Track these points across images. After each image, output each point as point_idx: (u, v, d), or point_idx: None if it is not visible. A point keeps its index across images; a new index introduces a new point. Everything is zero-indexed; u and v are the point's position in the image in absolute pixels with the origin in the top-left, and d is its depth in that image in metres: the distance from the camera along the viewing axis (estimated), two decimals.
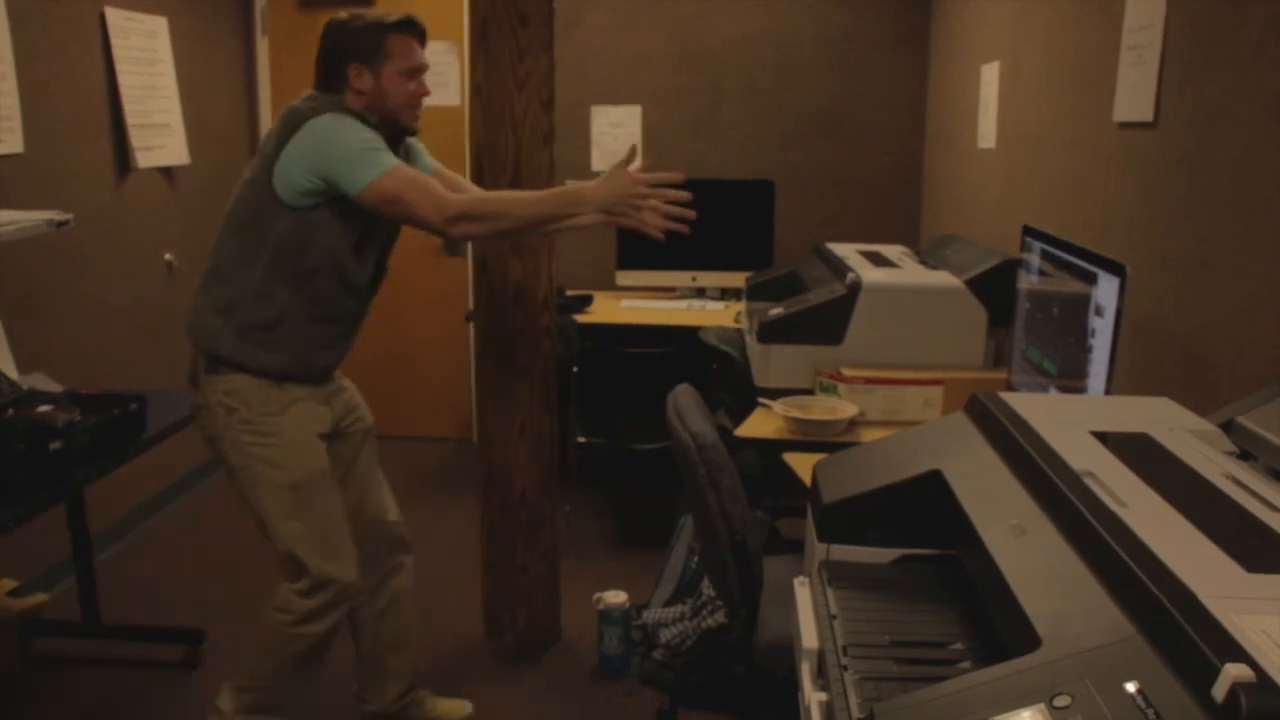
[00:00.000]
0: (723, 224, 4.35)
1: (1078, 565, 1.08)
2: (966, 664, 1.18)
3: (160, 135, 3.88)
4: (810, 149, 4.55)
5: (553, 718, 2.71)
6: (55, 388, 2.70)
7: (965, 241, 3.30)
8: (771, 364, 2.85)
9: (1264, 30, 1.77)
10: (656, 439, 3.48)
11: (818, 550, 1.51)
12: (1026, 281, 2.47)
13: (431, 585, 3.32)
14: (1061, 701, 0.86)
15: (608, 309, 4.15)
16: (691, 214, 2.17)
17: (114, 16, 3.58)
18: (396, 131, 2.22)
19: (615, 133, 4.60)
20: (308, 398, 2.22)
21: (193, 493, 4.15)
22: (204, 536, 3.79)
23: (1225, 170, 1.90)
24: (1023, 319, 2.50)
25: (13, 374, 2.65)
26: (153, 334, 3.84)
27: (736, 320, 3.84)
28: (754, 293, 3.47)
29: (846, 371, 2.75)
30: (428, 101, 2.27)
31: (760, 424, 2.67)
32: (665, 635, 2.90)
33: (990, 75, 3.48)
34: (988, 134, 3.50)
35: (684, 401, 2.14)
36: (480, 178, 2.76)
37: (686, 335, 3.61)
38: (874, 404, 2.70)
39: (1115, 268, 1.88)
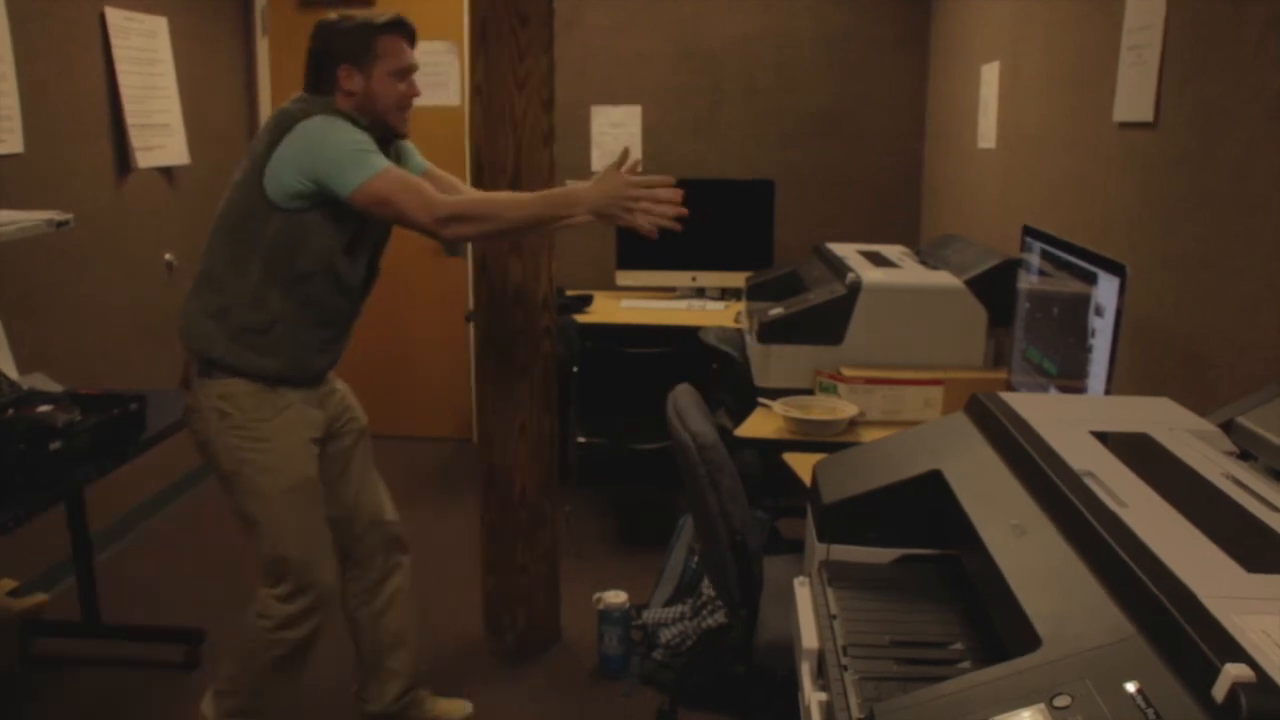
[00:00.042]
0: (723, 224, 4.36)
1: (1078, 565, 1.08)
2: (966, 664, 1.18)
3: (160, 135, 3.88)
4: (810, 149, 4.55)
5: (553, 718, 2.71)
6: (55, 388, 2.70)
7: (965, 241, 3.30)
8: (771, 364, 2.85)
9: (1264, 30, 1.77)
10: (656, 439, 3.48)
11: (818, 550, 1.51)
12: (1026, 281, 2.47)
13: (431, 585, 3.33)
14: (1061, 701, 0.86)
15: (608, 309, 4.15)
16: (684, 211, 2.17)
17: (114, 16, 3.58)
18: (387, 134, 2.21)
19: (615, 133, 4.60)
20: (301, 402, 2.22)
21: (193, 493, 4.15)
22: (204, 536, 3.79)
23: (1225, 170, 1.90)
24: (1023, 319, 2.50)
25: (13, 374, 2.65)
26: (153, 334, 3.84)
27: (736, 320, 3.84)
28: (754, 293, 3.47)
29: (846, 371, 2.75)
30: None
31: (760, 424, 2.67)
32: (665, 635, 2.90)
33: (990, 75, 3.48)
34: (988, 134, 3.50)
35: (684, 401, 2.14)
36: (480, 178, 2.76)
37: (686, 335, 3.61)
38: (874, 404, 2.70)
39: (1115, 268, 1.88)
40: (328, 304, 2.19)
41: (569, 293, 4.20)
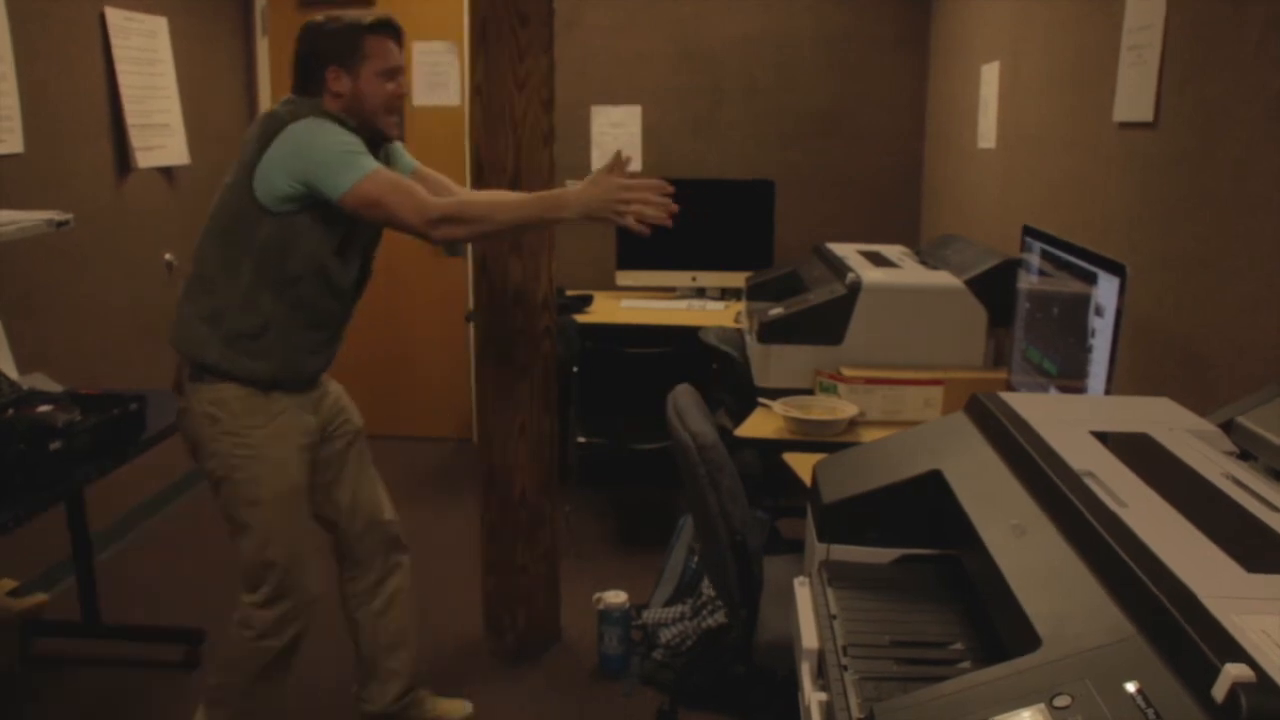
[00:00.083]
0: (723, 224, 4.36)
1: (1078, 565, 1.08)
2: (966, 664, 1.18)
3: (160, 135, 3.88)
4: (810, 149, 4.55)
5: (553, 718, 2.71)
6: (55, 388, 2.70)
7: (965, 241, 3.30)
8: (771, 364, 2.85)
9: (1264, 30, 1.77)
10: (656, 439, 3.48)
11: (818, 550, 1.51)
12: (1026, 281, 2.47)
13: (431, 585, 3.32)
14: (1061, 701, 0.86)
15: (608, 309, 4.15)
16: (675, 207, 2.16)
17: (114, 16, 3.58)
18: (376, 136, 2.21)
19: (615, 133, 4.60)
20: (294, 407, 2.21)
21: (193, 493, 4.15)
22: (204, 536, 3.78)
23: (1225, 170, 1.90)
24: (1023, 319, 2.50)
25: (13, 374, 2.65)
26: (153, 334, 3.83)
27: (736, 320, 3.84)
28: (754, 293, 3.47)
29: (846, 371, 2.75)
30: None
31: (760, 424, 2.67)
32: (665, 635, 2.90)
33: (990, 75, 3.48)
34: (988, 134, 3.50)
35: (684, 401, 2.14)
36: (480, 178, 2.76)
37: (686, 335, 3.61)
38: (874, 404, 2.70)
39: (1115, 268, 1.88)
40: (319, 306, 2.18)
41: (569, 293, 4.20)
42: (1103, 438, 1.40)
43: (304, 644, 2.31)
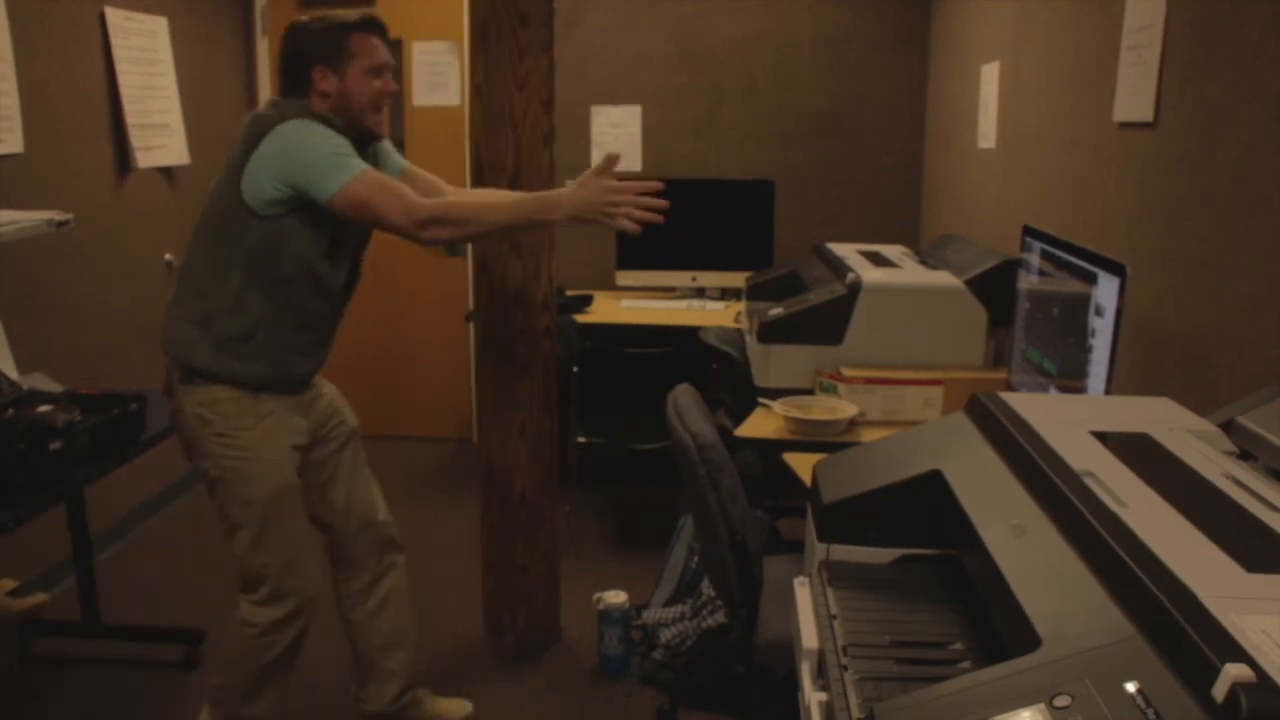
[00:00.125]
0: (723, 224, 4.36)
1: (1078, 565, 1.08)
2: (966, 664, 1.18)
3: (160, 135, 3.88)
4: (810, 149, 4.55)
5: (553, 718, 2.71)
6: (55, 388, 2.70)
7: (965, 241, 3.30)
8: (771, 364, 2.85)
9: (1264, 30, 1.77)
10: (656, 439, 3.48)
11: (818, 550, 1.51)
12: (1026, 281, 2.47)
13: (431, 585, 3.32)
14: (1061, 701, 0.86)
15: (608, 309, 4.15)
16: (665, 204, 2.16)
17: (114, 16, 3.58)
18: (363, 135, 2.20)
19: (615, 133, 4.60)
20: (284, 409, 2.21)
21: (193, 493, 4.14)
22: (204, 536, 3.78)
23: (1225, 170, 1.90)
24: (1023, 319, 2.50)
25: (13, 374, 2.65)
26: (153, 334, 3.80)
27: (736, 320, 3.84)
28: (754, 293, 3.47)
29: (846, 371, 2.75)
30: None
31: (760, 424, 2.67)
32: (665, 635, 2.90)
33: (990, 75, 3.48)
34: (988, 134, 3.50)
35: (684, 401, 2.14)
36: (480, 178, 2.76)
37: (686, 335, 3.61)
38: (874, 404, 2.70)
39: (1115, 268, 1.88)
40: (309, 308, 2.18)
41: (569, 293, 4.20)
42: (1103, 438, 1.40)
43: (305, 644, 2.31)
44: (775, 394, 2.71)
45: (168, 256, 3.97)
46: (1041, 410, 1.50)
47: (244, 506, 2.17)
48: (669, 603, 3.01)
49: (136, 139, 3.70)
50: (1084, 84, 2.60)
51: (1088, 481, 1.21)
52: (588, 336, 3.82)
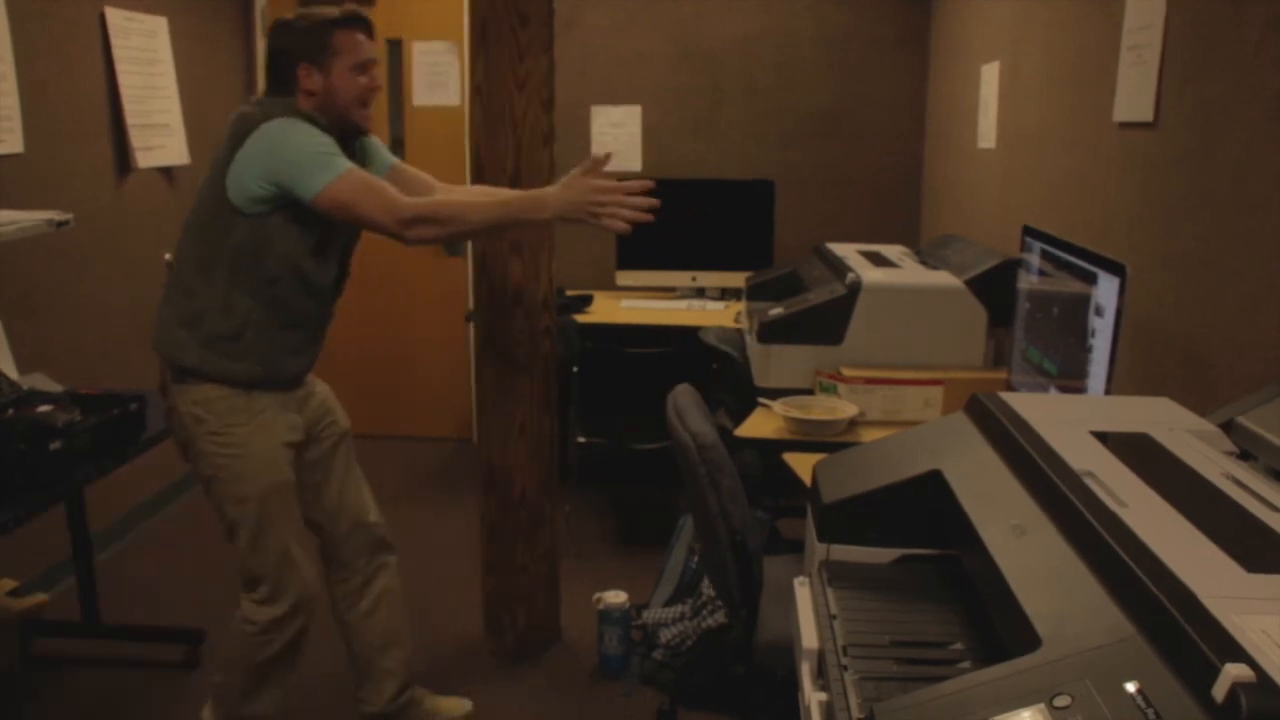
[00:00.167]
0: (723, 224, 4.36)
1: (1078, 565, 1.08)
2: (966, 664, 1.18)
3: (160, 135, 3.88)
4: (810, 149, 4.55)
5: (553, 718, 2.71)
6: (55, 388, 2.70)
7: (965, 241, 3.30)
8: (771, 364, 2.85)
9: (1264, 30, 1.77)
10: (656, 439, 3.48)
11: (818, 550, 1.51)
12: (1026, 281, 2.47)
13: (431, 585, 3.33)
14: (1061, 701, 0.86)
15: (608, 309, 4.15)
16: (655, 202, 2.16)
17: (114, 16, 3.58)
18: (349, 131, 2.19)
19: (615, 133, 4.60)
20: (276, 406, 2.20)
21: (193, 493, 4.14)
22: (204, 536, 3.77)
23: (1225, 170, 1.90)
24: (1023, 319, 2.50)
25: (13, 374, 2.65)
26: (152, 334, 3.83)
27: (736, 320, 3.84)
28: (754, 293, 3.47)
29: (846, 371, 2.75)
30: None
31: (760, 424, 2.67)
32: (665, 635, 2.90)
33: (990, 75, 3.48)
34: (988, 134, 3.50)
35: (684, 401, 2.14)
36: (480, 178, 2.76)
37: (686, 335, 3.61)
38: (874, 404, 2.70)
39: (1115, 268, 1.88)
40: (298, 307, 2.18)
41: (569, 293, 4.20)
42: (1103, 438, 1.40)
43: (307, 643, 2.31)
44: (775, 394, 2.71)
45: (168, 256, 3.94)
46: (1041, 410, 1.50)
47: (239, 505, 2.17)
48: (669, 603, 3.01)
49: (136, 139, 3.70)
50: (1084, 84, 2.60)
51: (1088, 481, 1.21)
52: (588, 336, 3.82)
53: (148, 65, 3.81)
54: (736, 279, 4.05)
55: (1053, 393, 2.20)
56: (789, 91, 4.52)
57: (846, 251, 3.29)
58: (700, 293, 4.38)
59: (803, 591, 1.44)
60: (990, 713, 0.87)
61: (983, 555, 1.18)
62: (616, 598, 2.88)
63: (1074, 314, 2.09)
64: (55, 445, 2.27)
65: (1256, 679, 0.78)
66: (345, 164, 2.06)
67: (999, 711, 0.87)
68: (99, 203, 3.55)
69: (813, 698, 1.20)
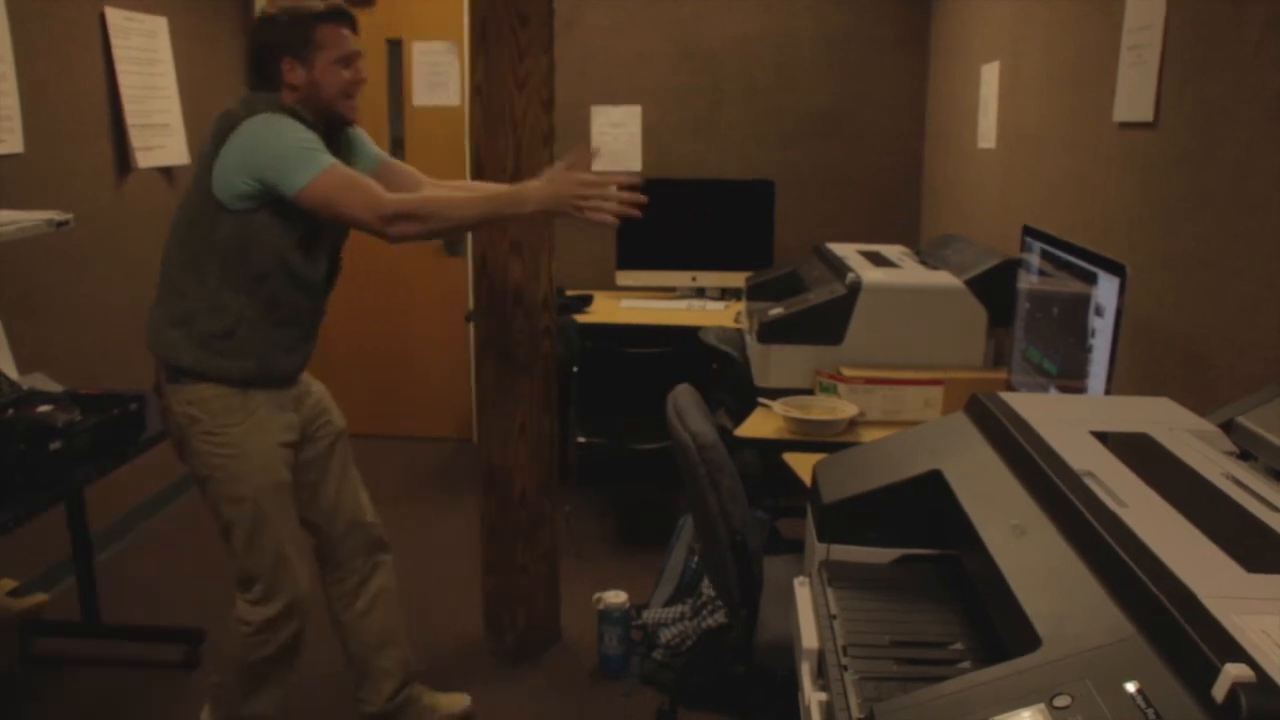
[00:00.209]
0: (723, 224, 4.36)
1: (1078, 565, 1.08)
2: (966, 664, 1.18)
3: (160, 135, 3.88)
4: (810, 149, 4.55)
5: (553, 718, 2.71)
6: (55, 388, 2.70)
7: (965, 241, 3.30)
8: (771, 364, 2.85)
9: (1264, 30, 1.77)
10: (656, 439, 3.48)
11: (818, 550, 1.51)
12: (1026, 281, 2.47)
13: (431, 585, 3.33)
14: (1061, 701, 0.86)
15: (608, 309, 4.15)
16: (642, 198, 2.16)
17: (114, 16, 3.58)
18: (335, 123, 2.19)
19: (615, 133, 4.60)
20: (271, 405, 2.20)
21: (192, 493, 4.13)
22: (204, 536, 3.77)
23: (1225, 170, 1.90)
24: (1023, 319, 2.50)
25: (13, 374, 2.65)
26: None
27: (736, 320, 3.84)
28: (754, 293, 3.47)
29: (846, 371, 2.75)
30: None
31: (760, 424, 2.67)
32: (665, 635, 2.90)
33: (990, 75, 3.48)
34: (988, 134, 3.50)
35: (684, 401, 2.14)
36: (480, 178, 2.76)
37: (686, 335, 3.61)
38: (874, 404, 2.70)
39: (1115, 268, 1.88)
40: (288, 303, 2.17)
41: (569, 293, 4.20)
42: (1103, 438, 1.40)
43: (305, 642, 2.31)
44: (775, 394, 2.71)
45: None
46: (1041, 410, 1.50)
47: (234, 504, 2.17)
48: (669, 603, 3.01)
49: (136, 139, 3.70)
50: (1084, 84, 2.60)
51: (1088, 481, 1.21)
52: (588, 336, 3.82)
53: (148, 65, 3.81)
54: (736, 279, 4.05)
55: (1053, 393, 2.20)
56: (789, 91, 4.52)
57: (846, 251, 3.29)
58: (700, 293, 4.38)
59: (803, 591, 1.44)
60: (990, 713, 0.87)
61: (983, 555, 1.18)
62: (616, 598, 2.88)
63: (1074, 314, 2.09)
64: (55, 445, 2.27)
65: (1256, 679, 0.78)
66: (328, 160, 2.05)
67: (999, 711, 0.87)
68: (99, 203, 3.55)
69: (813, 698, 1.20)
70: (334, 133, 2.20)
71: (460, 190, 2.45)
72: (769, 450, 2.63)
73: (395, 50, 4.68)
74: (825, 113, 4.52)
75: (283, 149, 2.03)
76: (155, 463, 3.03)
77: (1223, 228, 1.90)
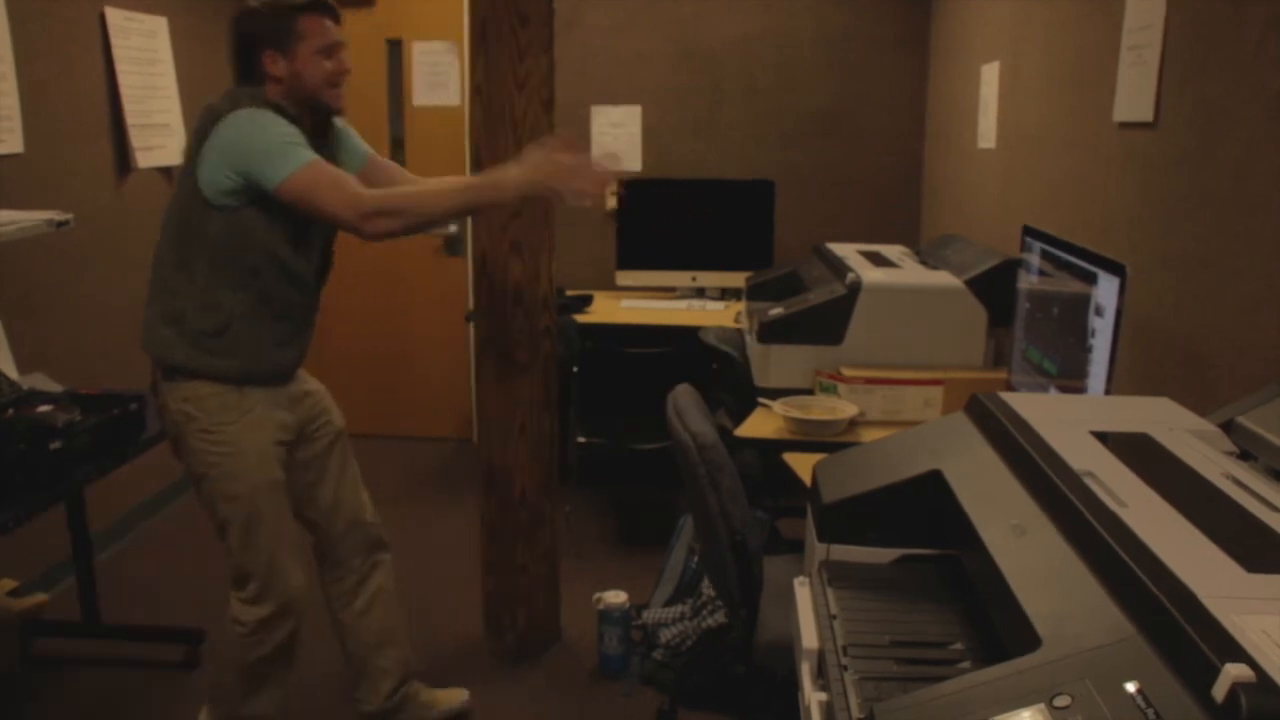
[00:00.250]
0: (723, 224, 4.36)
1: (1078, 565, 1.08)
2: (966, 664, 1.18)
3: (160, 135, 3.88)
4: (810, 149, 4.55)
5: (553, 718, 2.71)
6: (55, 388, 2.70)
7: (965, 241, 3.30)
8: (771, 364, 2.85)
9: (1264, 30, 1.77)
10: (656, 439, 3.48)
11: (818, 550, 1.51)
12: (1026, 281, 2.47)
13: (431, 585, 3.33)
14: (1061, 701, 0.86)
15: (608, 309, 4.15)
16: (614, 174, 2.16)
17: (114, 16, 3.58)
18: (321, 114, 2.17)
19: (615, 133, 4.60)
20: (267, 404, 2.19)
21: (192, 492, 4.14)
22: (204, 536, 3.76)
23: (1225, 170, 1.90)
24: (1023, 319, 2.50)
25: (13, 374, 2.65)
26: None
27: (736, 320, 3.84)
28: (754, 293, 3.47)
29: (846, 371, 2.75)
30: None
31: (760, 424, 2.67)
32: (665, 635, 2.90)
33: (990, 75, 3.48)
34: (988, 134, 3.50)
35: (684, 401, 2.14)
36: None
37: (686, 335, 3.61)
38: (874, 404, 2.70)
39: (1115, 268, 1.88)
40: (281, 297, 2.16)
41: (569, 293, 4.20)
42: (1103, 438, 1.40)
43: (302, 642, 2.31)
44: (775, 394, 2.71)
45: None
46: (1041, 410, 1.50)
47: (229, 503, 2.17)
48: (669, 603, 3.01)
49: (136, 139, 3.70)
50: (1084, 84, 2.60)
51: (1088, 481, 1.21)
52: (588, 336, 3.82)
53: (148, 65, 3.81)
54: (736, 279, 4.05)
55: (1053, 393, 2.20)
56: (789, 91, 4.52)
57: (846, 251, 3.29)
58: (700, 293, 4.38)
59: (803, 591, 1.44)
60: (990, 713, 0.87)
61: (983, 555, 1.18)
62: (616, 598, 2.88)
63: (1074, 314, 2.09)
64: (55, 445, 2.27)
65: (1256, 679, 0.78)
66: (309, 155, 2.04)
67: (999, 711, 0.87)
68: (99, 203, 3.55)
69: (813, 698, 1.20)
70: (323, 126, 2.19)
71: (441, 183, 2.43)
72: (769, 450, 2.63)
73: (395, 50, 4.68)
74: (825, 113, 4.52)
75: (265, 143, 2.02)
76: (155, 463, 3.02)
77: (1223, 228, 1.90)
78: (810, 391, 2.77)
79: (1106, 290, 1.91)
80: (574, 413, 3.84)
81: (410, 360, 4.94)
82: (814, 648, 1.27)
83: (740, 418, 2.75)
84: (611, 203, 4.54)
